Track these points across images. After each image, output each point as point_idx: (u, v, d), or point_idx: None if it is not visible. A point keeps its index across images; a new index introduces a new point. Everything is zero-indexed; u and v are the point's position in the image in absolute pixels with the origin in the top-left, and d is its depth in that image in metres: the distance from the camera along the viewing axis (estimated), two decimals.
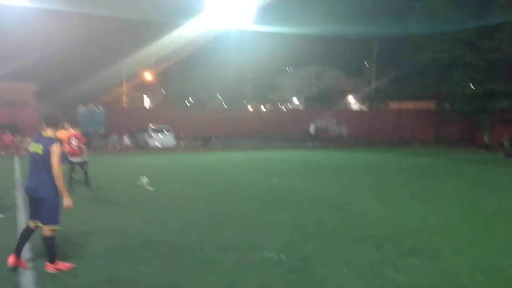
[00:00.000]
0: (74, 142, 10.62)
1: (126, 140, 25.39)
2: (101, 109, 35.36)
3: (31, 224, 4.82)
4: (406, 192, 11.14)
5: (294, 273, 4.91)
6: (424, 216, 8.14)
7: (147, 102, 56.03)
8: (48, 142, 4.58)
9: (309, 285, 4.59)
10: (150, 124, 26.60)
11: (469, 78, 32.51)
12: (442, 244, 6.29)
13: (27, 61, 41.35)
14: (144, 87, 53.02)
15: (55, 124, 4.82)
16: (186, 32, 35.14)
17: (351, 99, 55.33)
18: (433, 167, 17.88)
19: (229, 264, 5.26)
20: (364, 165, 18.37)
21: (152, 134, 25.31)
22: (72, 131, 10.71)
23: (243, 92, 46.86)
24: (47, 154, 4.51)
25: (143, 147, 25.42)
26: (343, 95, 55.00)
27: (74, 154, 10.63)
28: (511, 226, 7.59)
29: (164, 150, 24.53)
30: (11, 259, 4.75)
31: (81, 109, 34.48)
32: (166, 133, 25.89)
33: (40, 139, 4.67)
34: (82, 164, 10.80)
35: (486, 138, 32.57)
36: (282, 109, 51.05)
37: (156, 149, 24.79)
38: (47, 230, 4.66)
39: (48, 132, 4.73)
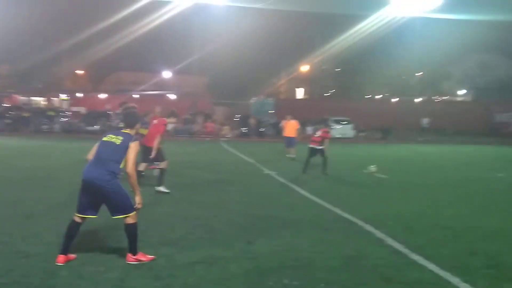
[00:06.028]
0: (318, 132, 11.92)
1: (308, 129, 26.50)
2: (271, 100, 37.39)
3: (77, 219, 4.49)
4: None
5: None
6: None
7: (300, 93, 57.52)
8: (128, 137, 4.56)
9: None
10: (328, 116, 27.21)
11: None
12: None
13: (197, 57, 46.33)
14: (299, 79, 54.62)
15: (133, 124, 4.77)
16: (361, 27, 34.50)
17: None
18: None
19: None
20: None
21: (332, 125, 25.99)
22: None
23: (411, 83, 44.97)
24: (124, 147, 4.47)
25: None
26: None
27: (315, 142, 11.83)
28: None
29: (343, 140, 24.99)
30: (60, 258, 4.39)
31: (253, 100, 37.04)
32: (345, 124, 26.39)
33: (119, 133, 4.66)
34: (322, 152, 11.80)
35: None
36: (453, 100, 47.88)
37: (335, 139, 25.39)
38: (130, 218, 4.45)
39: (127, 130, 4.71)
